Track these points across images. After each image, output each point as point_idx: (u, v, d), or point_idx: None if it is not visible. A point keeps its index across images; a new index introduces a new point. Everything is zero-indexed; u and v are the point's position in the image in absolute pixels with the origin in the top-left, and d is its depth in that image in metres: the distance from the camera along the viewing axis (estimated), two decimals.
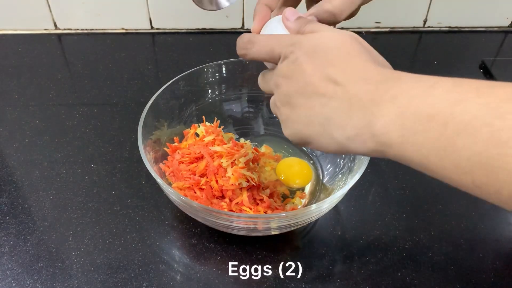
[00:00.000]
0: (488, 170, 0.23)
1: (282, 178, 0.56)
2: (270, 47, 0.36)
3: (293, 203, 0.53)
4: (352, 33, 0.34)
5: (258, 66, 0.60)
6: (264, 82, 0.39)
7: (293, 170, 0.57)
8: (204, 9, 0.43)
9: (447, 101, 0.25)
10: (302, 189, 0.56)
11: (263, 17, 0.42)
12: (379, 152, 0.29)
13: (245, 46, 0.38)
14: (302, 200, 0.54)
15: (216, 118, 0.59)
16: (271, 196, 0.52)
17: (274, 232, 0.48)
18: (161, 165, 0.53)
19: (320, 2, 0.39)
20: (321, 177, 0.57)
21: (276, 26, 0.40)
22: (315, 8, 0.39)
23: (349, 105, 0.30)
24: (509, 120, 0.23)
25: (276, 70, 0.36)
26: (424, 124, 0.26)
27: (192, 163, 0.52)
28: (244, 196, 0.49)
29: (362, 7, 0.42)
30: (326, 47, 0.32)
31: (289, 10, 0.39)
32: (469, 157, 0.24)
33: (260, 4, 0.43)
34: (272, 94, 0.38)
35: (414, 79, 0.28)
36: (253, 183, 0.50)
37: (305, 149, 0.60)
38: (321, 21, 0.39)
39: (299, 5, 0.44)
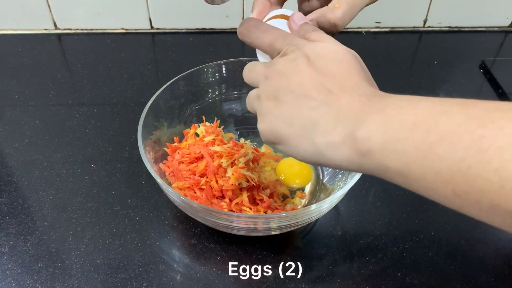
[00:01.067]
0: (469, 178, 0.23)
1: (282, 178, 0.56)
2: (273, 39, 0.36)
3: (293, 203, 0.53)
4: (355, 52, 0.34)
5: None
6: (250, 72, 0.38)
7: (293, 170, 0.57)
8: (214, 4, 0.42)
9: (433, 112, 0.25)
10: (302, 189, 0.56)
11: (262, 10, 0.42)
12: (356, 163, 0.29)
13: (249, 29, 0.38)
14: (302, 200, 0.54)
15: (216, 118, 0.59)
16: (271, 196, 0.52)
17: (274, 232, 0.48)
18: (161, 165, 0.53)
19: (322, 9, 0.39)
20: (321, 177, 0.57)
21: (278, 24, 0.40)
22: (316, 14, 0.39)
23: (338, 113, 0.30)
24: (491, 128, 0.23)
25: (270, 63, 0.35)
26: (407, 131, 0.26)
27: (192, 163, 0.52)
28: (244, 196, 0.49)
29: None
30: (328, 58, 0.33)
31: (298, 14, 0.39)
32: (450, 165, 0.24)
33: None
34: (253, 87, 0.38)
35: (404, 97, 0.28)
36: (253, 183, 0.50)
37: None
38: (321, 28, 0.39)
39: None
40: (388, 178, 0.28)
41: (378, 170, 0.28)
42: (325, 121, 0.30)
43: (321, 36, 0.35)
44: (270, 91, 0.34)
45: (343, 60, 0.33)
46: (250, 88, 0.62)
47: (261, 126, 0.35)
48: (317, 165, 0.54)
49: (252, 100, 0.37)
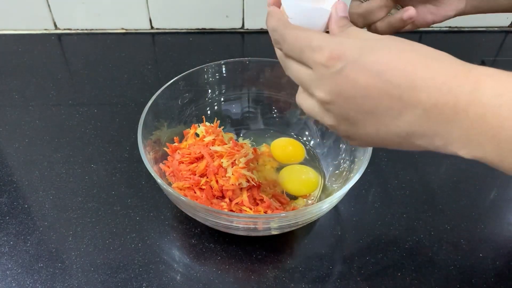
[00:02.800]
0: None
1: (288, 186, 0.55)
2: (299, 48, 0.32)
3: (296, 203, 0.53)
4: (399, 38, 0.31)
5: (258, 66, 0.60)
6: (306, 105, 0.33)
7: (301, 179, 0.56)
8: None
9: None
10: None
11: None
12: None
13: (275, 41, 0.34)
14: (305, 200, 0.54)
15: (216, 118, 0.59)
16: (275, 196, 0.52)
17: (274, 232, 0.48)
18: (161, 165, 0.53)
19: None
20: (321, 177, 0.57)
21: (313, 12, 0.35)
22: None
23: (428, 117, 0.27)
24: None
25: (314, 84, 0.31)
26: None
27: (192, 163, 0.52)
28: (244, 196, 0.49)
29: None
30: (376, 56, 0.28)
31: (342, 5, 0.34)
32: None
33: None
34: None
35: (498, 73, 0.26)
36: (253, 183, 0.50)
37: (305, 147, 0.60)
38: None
39: None
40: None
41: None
42: (418, 127, 0.28)
43: (358, 33, 0.32)
44: (335, 118, 0.31)
45: (396, 51, 0.28)
46: (250, 88, 0.63)
47: (354, 144, 0.32)
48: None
49: (316, 116, 0.33)
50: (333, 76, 0.29)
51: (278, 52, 0.35)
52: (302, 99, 0.34)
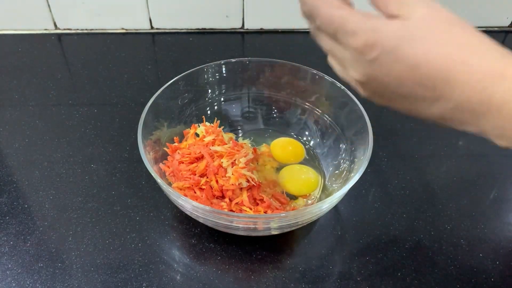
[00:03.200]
0: None
1: (288, 186, 0.55)
2: (333, 29, 0.30)
3: (295, 203, 0.53)
4: (442, 13, 0.29)
5: (258, 66, 0.60)
6: (341, 69, 0.32)
7: (301, 179, 0.56)
8: None
9: None
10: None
11: None
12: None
13: (305, 14, 0.32)
14: (305, 200, 0.54)
15: (216, 118, 0.59)
16: (274, 196, 0.52)
17: (274, 232, 0.48)
18: (161, 165, 0.53)
19: None
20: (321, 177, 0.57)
21: None
22: None
23: (461, 110, 0.28)
24: None
25: (348, 63, 0.30)
26: None
27: (192, 163, 0.52)
28: (244, 196, 0.49)
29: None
30: (410, 43, 0.28)
31: None
32: None
33: None
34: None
35: None
36: (253, 183, 0.50)
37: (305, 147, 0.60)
38: None
39: None
40: None
41: None
42: (453, 116, 0.28)
43: (404, 11, 0.29)
44: (372, 92, 0.31)
45: (435, 42, 0.27)
46: (250, 88, 0.63)
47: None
48: None
49: (352, 83, 0.33)
50: (367, 62, 0.29)
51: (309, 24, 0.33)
52: (336, 65, 0.33)
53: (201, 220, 0.48)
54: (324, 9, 0.30)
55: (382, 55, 0.28)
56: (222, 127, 0.59)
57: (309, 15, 0.32)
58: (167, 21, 0.84)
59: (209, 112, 0.61)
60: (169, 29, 0.85)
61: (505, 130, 0.27)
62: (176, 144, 0.56)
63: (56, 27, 0.83)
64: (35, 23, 0.83)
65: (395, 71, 0.28)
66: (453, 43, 0.28)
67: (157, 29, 0.85)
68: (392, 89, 0.29)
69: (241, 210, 0.49)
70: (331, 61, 0.33)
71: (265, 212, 0.49)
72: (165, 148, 0.55)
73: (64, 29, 0.84)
